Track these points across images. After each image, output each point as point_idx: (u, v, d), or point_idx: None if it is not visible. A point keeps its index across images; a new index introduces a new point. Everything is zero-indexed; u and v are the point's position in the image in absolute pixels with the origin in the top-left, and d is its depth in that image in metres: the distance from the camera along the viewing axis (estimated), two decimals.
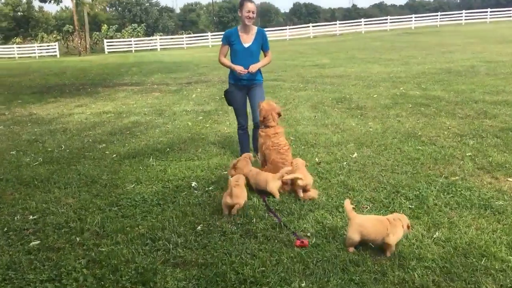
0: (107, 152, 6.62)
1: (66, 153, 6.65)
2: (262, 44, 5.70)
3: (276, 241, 3.67)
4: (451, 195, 4.49)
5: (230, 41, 5.64)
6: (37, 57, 47.09)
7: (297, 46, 34.67)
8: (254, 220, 4.07)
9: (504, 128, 7.01)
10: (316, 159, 5.85)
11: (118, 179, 5.35)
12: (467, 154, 5.80)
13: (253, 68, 5.53)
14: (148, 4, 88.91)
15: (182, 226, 4.00)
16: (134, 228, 3.99)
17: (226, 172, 5.23)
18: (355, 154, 6.01)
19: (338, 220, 4.00)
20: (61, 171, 5.74)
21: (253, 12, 5.42)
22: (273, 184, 4.59)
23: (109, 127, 8.62)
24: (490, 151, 5.89)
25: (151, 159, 6.14)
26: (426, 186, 4.74)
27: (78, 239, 3.83)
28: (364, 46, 28.90)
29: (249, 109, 5.99)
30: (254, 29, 5.68)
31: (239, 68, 5.53)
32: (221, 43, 5.80)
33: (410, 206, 4.24)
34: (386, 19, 49.66)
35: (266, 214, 4.18)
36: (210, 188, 4.96)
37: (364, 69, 16.50)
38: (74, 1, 17.99)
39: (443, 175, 5.06)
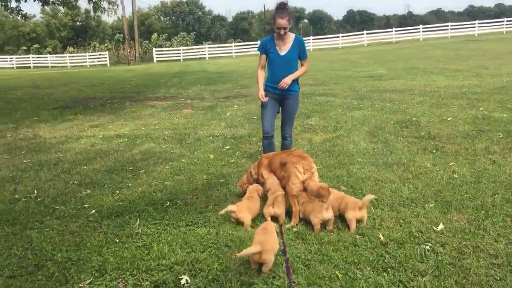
0: (86, 206, 4.78)
1: (33, 205, 4.85)
2: (299, 52, 5.37)
3: None
4: None
5: (266, 49, 5.38)
6: (88, 66, 47.48)
7: (350, 54, 32.34)
8: None
9: None
10: (381, 236, 3.76)
11: (75, 263, 3.50)
12: None
13: (285, 83, 5.27)
14: (201, 13, 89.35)
15: None
16: None
17: (238, 255, 3.28)
18: (441, 226, 3.89)
19: None
20: (6, 241, 3.96)
21: (284, 28, 5.11)
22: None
23: (112, 159, 6.87)
24: None
25: (138, 221, 4.26)
26: None
27: None
28: (424, 54, 26.18)
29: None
30: (291, 36, 5.33)
31: (260, 94, 5.44)
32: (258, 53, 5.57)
33: None
34: (447, 26, 46.44)
35: None
36: None
37: (429, 82, 14.13)
38: (91, 5, 16.94)
39: None
